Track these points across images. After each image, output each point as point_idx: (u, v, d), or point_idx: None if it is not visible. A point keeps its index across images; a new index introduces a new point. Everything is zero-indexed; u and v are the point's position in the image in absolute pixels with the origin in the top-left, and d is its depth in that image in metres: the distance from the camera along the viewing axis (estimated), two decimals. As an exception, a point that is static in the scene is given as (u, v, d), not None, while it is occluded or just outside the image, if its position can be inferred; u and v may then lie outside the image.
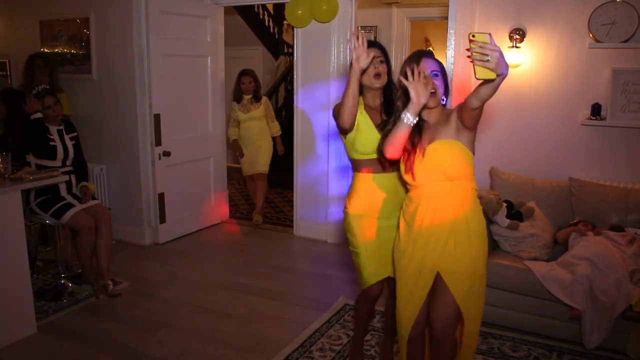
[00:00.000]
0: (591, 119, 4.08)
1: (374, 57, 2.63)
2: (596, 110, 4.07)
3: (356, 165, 2.85)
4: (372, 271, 2.89)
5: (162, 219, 5.41)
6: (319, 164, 5.55)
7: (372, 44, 2.70)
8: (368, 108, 2.80)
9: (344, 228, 2.96)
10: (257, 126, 6.11)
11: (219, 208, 6.21)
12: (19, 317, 3.57)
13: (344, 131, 2.75)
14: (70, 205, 4.18)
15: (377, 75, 2.72)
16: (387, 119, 2.63)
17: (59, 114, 4.27)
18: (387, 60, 2.78)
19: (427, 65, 2.39)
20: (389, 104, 2.76)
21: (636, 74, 3.98)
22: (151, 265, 4.97)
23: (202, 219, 5.96)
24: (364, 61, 2.43)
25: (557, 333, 3.52)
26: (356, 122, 2.70)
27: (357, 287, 4.38)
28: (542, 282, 3.39)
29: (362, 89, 2.75)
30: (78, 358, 3.42)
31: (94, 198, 4.42)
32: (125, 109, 5.28)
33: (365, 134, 2.73)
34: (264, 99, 6.17)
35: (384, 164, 2.70)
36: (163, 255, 5.22)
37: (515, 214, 3.84)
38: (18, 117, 4.33)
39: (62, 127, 4.30)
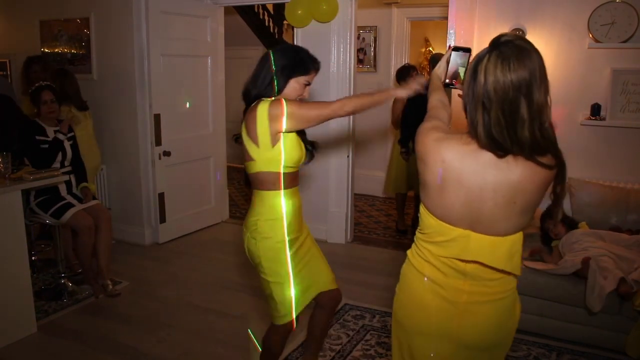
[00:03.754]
0: (591, 119, 4.08)
1: None
2: (596, 110, 4.07)
3: (285, 181, 2.58)
4: (298, 302, 2.61)
5: (162, 219, 5.41)
6: (318, 164, 5.54)
7: (318, 67, 2.63)
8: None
9: (257, 255, 2.66)
10: None
11: (219, 208, 6.21)
12: (19, 317, 3.58)
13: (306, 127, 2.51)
14: (70, 205, 4.18)
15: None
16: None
17: (53, 111, 4.22)
18: None
19: None
20: None
21: (636, 74, 3.99)
22: (151, 265, 4.97)
23: (202, 218, 5.96)
24: (402, 93, 2.45)
25: (557, 333, 3.52)
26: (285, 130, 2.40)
27: (358, 286, 4.39)
28: (583, 272, 3.35)
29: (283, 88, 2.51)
30: (78, 358, 3.42)
31: (94, 198, 4.43)
32: (125, 109, 5.29)
33: (298, 143, 2.53)
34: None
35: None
36: (163, 255, 5.22)
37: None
38: (11, 123, 4.33)
39: (59, 128, 4.29)
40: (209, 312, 4.02)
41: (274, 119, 2.37)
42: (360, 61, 7.27)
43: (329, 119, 2.51)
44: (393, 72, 7.30)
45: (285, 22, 9.12)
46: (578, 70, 4.15)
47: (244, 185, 8.24)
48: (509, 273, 1.75)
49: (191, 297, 4.25)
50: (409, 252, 1.90)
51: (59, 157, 4.23)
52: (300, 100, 2.52)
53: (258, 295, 4.28)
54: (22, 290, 3.59)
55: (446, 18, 4.40)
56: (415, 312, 1.85)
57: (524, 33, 4.27)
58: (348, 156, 5.44)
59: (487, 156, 1.60)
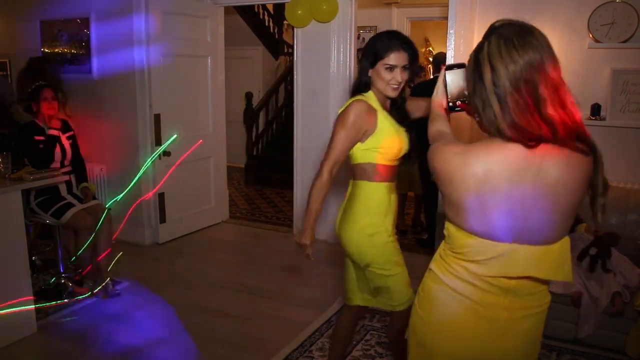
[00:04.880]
0: (591, 119, 4.08)
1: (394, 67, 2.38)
2: (596, 110, 4.07)
3: (371, 172, 2.55)
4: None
5: (162, 219, 5.41)
6: (318, 164, 5.53)
7: (399, 45, 2.39)
8: (384, 107, 2.52)
9: (363, 251, 2.60)
10: None
11: (219, 208, 6.21)
12: (19, 317, 3.57)
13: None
14: (70, 205, 4.18)
15: (396, 86, 2.42)
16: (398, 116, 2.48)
17: (53, 108, 4.21)
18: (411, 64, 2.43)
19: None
20: (398, 107, 2.53)
21: (636, 74, 3.98)
22: (151, 265, 4.97)
23: (202, 218, 5.96)
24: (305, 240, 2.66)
25: (557, 333, 3.52)
26: (378, 123, 2.44)
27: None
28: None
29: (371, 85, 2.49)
30: (78, 358, 3.43)
31: (94, 198, 4.43)
32: (125, 109, 5.29)
33: (393, 137, 2.46)
34: None
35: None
36: (163, 255, 5.22)
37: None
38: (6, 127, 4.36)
39: (59, 127, 4.29)
40: (208, 312, 4.02)
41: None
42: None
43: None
44: (393, 72, 7.29)
45: (285, 22, 9.13)
46: (578, 70, 4.15)
47: (244, 185, 8.25)
48: (545, 282, 1.62)
49: (191, 297, 4.25)
50: (435, 269, 1.69)
51: (59, 156, 4.23)
52: (396, 88, 2.42)
53: (258, 295, 4.29)
54: (22, 290, 3.59)
55: (446, 18, 4.40)
56: (450, 336, 1.66)
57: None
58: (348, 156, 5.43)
59: (519, 157, 1.43)
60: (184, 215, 5.67)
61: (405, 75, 2.41)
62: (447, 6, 4.36)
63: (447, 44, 4.34)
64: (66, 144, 4.30)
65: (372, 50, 2.43)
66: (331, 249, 5.37)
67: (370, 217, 2.56)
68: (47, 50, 5.71)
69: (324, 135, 5.44)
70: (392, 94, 2.43)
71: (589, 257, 3.45)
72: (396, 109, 2.55)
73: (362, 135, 2.45)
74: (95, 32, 5.37)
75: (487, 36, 1.48)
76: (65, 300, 4.14)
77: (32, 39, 5.80)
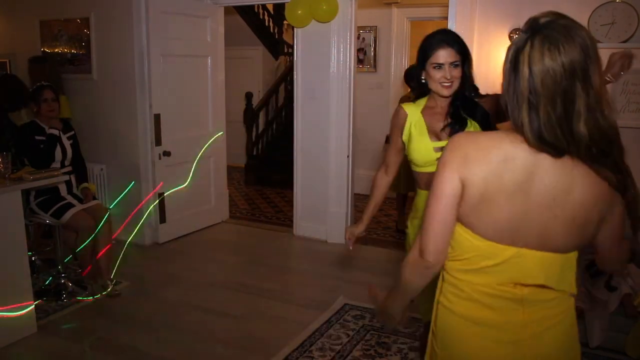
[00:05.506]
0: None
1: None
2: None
3: (417, 180, 2.52)
4: None
5: (163, 219, 5.41)
6: (319, 164, 5.55)
7: (443, 41, 2.32)
8: (428, 110, 2.45)
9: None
10: None
11: (219, 208, 6.21)
12: (19, 317, 3.57)
13: None
14: (70, 205, 4.18)
15: (447, 84, 2.34)
16: (452, 123, 2.37)
17: (53, 110, 4.21)
18: (463, 61, 2.34)
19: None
20: (456, 108, 2.41)
21: (636, 74, 3.98)
22: (151, 265, 4.97)
23: (203, 218, 5.96)
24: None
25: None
26: (407, 130, 2.43)
27: (358, 286, 4.39)
28: None
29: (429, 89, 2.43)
30: (78, 358, 3.43)
31: (94, 198, 4.43)
32: (125, 108, 5.29)
33: (418, 143, 2.41)
34: None
35: None
36: (163, 255, 5.22)
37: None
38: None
39: (59, 127, 4.29)
40: (208, 312, 4.02)
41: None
42: (360, 61, 7.26)
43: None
44: (393, 72, 7.32)
45: (285, 22, 9.13)
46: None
47: (244, 185, 8.25)
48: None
49: (191, 297, 4.25)
50: (444, 301, 1.56)
51: (59, 156, 4.23)
52: (449, 86, 2.33)
53: (258, 295, 4.29)
54: (22, 290, 3.59)
55: (446, 18, 4.40)
56: None
57: (524, 33, 4.27)
58: (348, 156, 5.44)
59: (542, 159, 1.34)
60: (184, 215, 5.67)
61: (457, 72, 2.32)
62: (447, 6, 4.36)
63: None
64: (66, 144, 4.30)
65: (420, 53, 2.40)
66: (331, 249, 5.38)
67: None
68: (46, 50, 5.71)
69: (324, 135, 5.47)
70: (446, 92, 2.35)
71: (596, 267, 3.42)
72: (453, 111, 2.43)
73: (402, 141, 2.51)
74: (95, 32, 5.36)
75: (531, 35, 1.32)
76: (65, 300, 4.14)
77: (31, 39, 5.80)
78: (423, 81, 2.41)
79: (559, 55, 1.26)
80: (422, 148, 2.40)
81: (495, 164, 1.37)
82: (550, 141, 1.29)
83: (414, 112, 2.45)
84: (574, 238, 1.42)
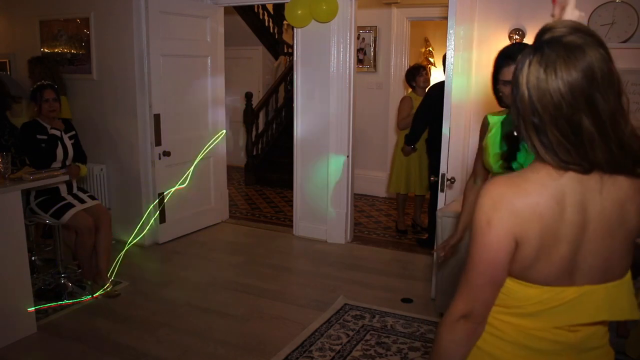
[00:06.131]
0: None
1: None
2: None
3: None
4: None
5: (162, 219, 5.41)
6: (318, 164, 5.55)
7: (509, 58, 2.36)
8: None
9: None
10: None
11: (219, 208, 6.21)
12: (19, 317, 3.58)
13: None
14: (70, 206, 4.18)
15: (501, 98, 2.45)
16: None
17: (54, 110, 4.20)
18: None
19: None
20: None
21: (636, 74, 3.98)
22: (151, 265, 4.97)
23: (202, 219, 5.96)
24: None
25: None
26: (486, 138, 2.55)
27: (358, 286, 4.40)
28: None
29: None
30: (78, 358, 3.42)
31: (94, 198, 4.42)
32: (125, 109, 5.28)
33: (490, 153, 2.52)
34: None
35: None
36: (163, 255, 5.23)
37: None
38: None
39: (61, 127, 4.29)
40: (208, 312, 4.02)
41: None
42: (360, 61, 7.26)
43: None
44: (393, 72, 7.32)
45: (285, 22, 9.14)
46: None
47: (244, 185, 8.25)
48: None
49: (191, 297, 4.25)
50: (479, 343, 1.36)
51: (61, 155, 4.22)
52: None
53: (258, 295, 4.29)
54: (22, 290, 3.59)
55: (446, 18, 4.40)
56: None
57: (523, 34, 4.27)
58: (348, 156, 5.44)
59: (575, 183, 1.21)
60: (184, 215, 5.67)
61: None
62: (447, 6, 4.35)
63: (447, 44, 4.33)
64: (68, 143, 4.30)
65: (493, 69, 2.49)
66: (331, 249, 5.38)
67: None
68: (46, 50, 5.71)
69: (323, 135, 5.47)
70: None
71: None
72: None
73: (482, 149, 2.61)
74: (95, 32, 5.36)
75: (531, 52, 1.21)
76: (65, 300, 4.14)
77: (31, 39, 5.80)
78: (500, 94, 2.45)
79: (555, 79, 1.15)
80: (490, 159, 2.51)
81: (549, 210, 1.21)
82: (569, 161, 1.18)
83: (495, 122, 2.55)
84: (630, 254, 1.29)
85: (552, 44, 1.17)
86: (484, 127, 2.61)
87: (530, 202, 1.21)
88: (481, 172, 2.67)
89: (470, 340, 1.34)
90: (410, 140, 5.46)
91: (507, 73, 2.36)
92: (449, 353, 1.34)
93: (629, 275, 1.31)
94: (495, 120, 2.56)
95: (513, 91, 1.24)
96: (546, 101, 1.16)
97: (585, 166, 1.18)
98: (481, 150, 2.61)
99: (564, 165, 1.19)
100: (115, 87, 5.32)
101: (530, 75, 1.18)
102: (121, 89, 5.28)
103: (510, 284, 1.30)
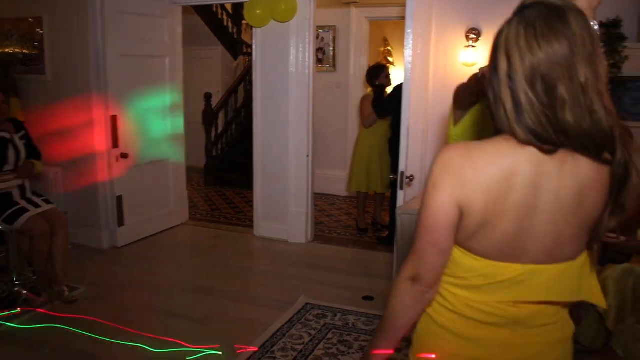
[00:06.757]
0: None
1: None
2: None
3: None
4: None
5: (121, 222, 5.31)
6: (278, 164, 5.54)
7: None
8: None
9: None
10: None
11: (178, 210, 6.14)
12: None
13: None
14: (24, 210, 4.07)
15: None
16: None
17: (3, 113, 4.08)
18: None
19: None
20: None
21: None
22: (109, 269, 4.88)
23: (162, 221, 5.88)
24: None
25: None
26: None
27: (319, 285, 4.41)
28: None
29: None
30: (34, 366, 3.34)
31: (49, 202, 4.31)
32: (81, 110, 5.16)
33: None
34: None
35: None
36: (122, 258, 5.14)
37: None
38: None
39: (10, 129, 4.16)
40: (169, 315, 3.97)
41: None
42: (319, 61, 7.28)
43: None
44: (352, 72, 7.36)
45: (244, 21, 9.10)
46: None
47: (204, 186, 8.18)
48: (565, 306, 1.40)
49: (151, 301, 4.19)
50: (429, 311, 1.42)
51: (13, 158, 4.11)
52: None
53: (219, 297, 4.26)
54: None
55: (404, 18, 4.44)
56: None
57: (480, 33, 4.35)
58: (308, 156, 5.45)
59: (535, 163, 1.20)
60: (143, 218, 5.58)
61: None
62: (405, 6, 4.40)
63: (405, 44, 4.38)
64: (19, 144, 4.17)
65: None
66: (291, 249, 5.38)
67: None
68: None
69: (283, 134, 5.46)
70: None
71: None
72: None
73: None
74: (48, 32, 5.23)
75: (511, 18, 1.21)
76: (19, 308, 4.03)
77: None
78: None
79: (534, 38, 1.15)
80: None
81: (497, 185, 1.21)
82: (538, 131, 1.16)
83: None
84: (583, 239, 1.29)
85: (533, 6, 1.18)
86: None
87: (478, 173, 1.22)
88: None
89: (418, 304, 1.37)
90: (380, 111, 5.48)
91: None
92: (397, 314, 1.38)
93: (581, 258, 1.32)
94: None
95: (492, 55, 1.24)
96: (526, 63, 1.16)
97: (550, 138, 1.16)
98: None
99: (529, 136, 1.17)
100: (71, 88, 5.20)
101: (510, 35, 1.19)
102: (77, 90, 5.15)
103: (457, 254, 1.32)
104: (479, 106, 2.64)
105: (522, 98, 1.16)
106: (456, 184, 1.23)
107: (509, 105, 1.19)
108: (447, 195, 1.24)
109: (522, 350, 1.34)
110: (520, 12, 1.20)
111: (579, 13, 1.16)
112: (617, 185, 1.19)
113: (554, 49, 1.14)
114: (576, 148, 1.18)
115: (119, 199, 5.25)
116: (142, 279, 4.64)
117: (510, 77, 1.18)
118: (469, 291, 1.33)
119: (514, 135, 1.20)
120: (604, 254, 3.69)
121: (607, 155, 1.18)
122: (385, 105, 5.41)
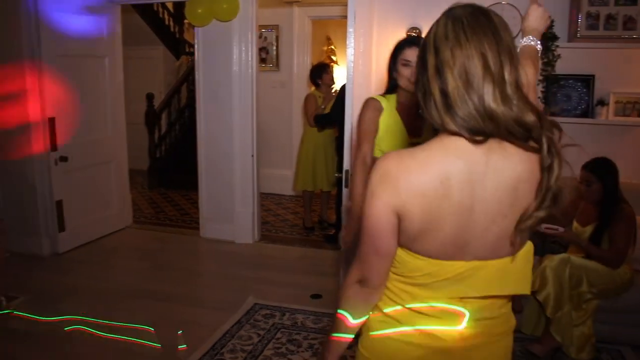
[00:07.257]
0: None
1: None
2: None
3: None
4: None
5: (61, 227, 5.15)
6: (223, 164, 5.50)
7: (413, 43, 2.65)
8: (402, 107, 2.71)
9: None
10: None
11: (122, 213, 6.00)
12: None
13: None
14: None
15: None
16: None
17: None
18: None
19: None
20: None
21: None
22: (50, 277, 4.72)
23: (105, 225, 5.75)
24: None
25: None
26: (382, 123, 2.67)
27: (267, 285, 4.40)
28: None
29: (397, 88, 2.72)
30: (-29, 379, 3.22)
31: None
32: (15, 112, 4.96)
33: (394, 136, 2.65)
34: None
35: None
36: (63, 265, 4.99)
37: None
38: None
39: None
40: (114, 321, 3.88)
41: None
42: (262, 60, 7.27)
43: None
44: (296, 71, 7.37)
45: (185, 21, 8.97)
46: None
47: (148, 188, 8.04)
48: (509, 300, 1.46)
49: (95, 308, 4.07)
50: (379, 302, 1.46)
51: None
52: (403, 90, 2.67)
53: (166, 301, 4.20)
54: None
55: (346, 17, 4.48)
56: None
57: (420, 32, 4.43)
58: (252, 155, 5.43)
59: (467, 157, 1.24)
60: (85, 222, 5.43)
61: None
62: (347, 5, 4.44)
63: (347, 42, 4.42)
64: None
65: (392, 52, 2.68)
66: (238, 249, 5.36)
67: None
68: None
69: (227, 135, 5.42)
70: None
71: None
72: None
73: (375, 130, 2.70)
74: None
75: (440, 17, 1.29)
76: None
77: None
78: (396, 76, 2.68)
79: (461, 30, 1.22)
80: (396, 146, 2.62)
81: (432, 190, 1.24)
82: (466, 119, 1.20)
83: (390, 108, 2.70)
84: (524, 232, 1.31)
85: (461, 6, 1.28)
86: (376, 111, 2.70)
87: (413, 180, 1.26)
88: (370, 152, 2.73)
89: (367, 303, 1.44)
90: (320, 122, 5.53)
91: (410, 53, 2.58)
92: (348, 315, 1.45)
93: (524, 250, 1.36)
94: (390, 106, 2.70)
95: (419, 57, 1.31)
96: (455, 54, 1.22)
97: (479, 127, 1.20)
98: (372, 132, 2.69)
99: (459, 126, 1.21)
100: (5, 90, 5.00)
101: (439, 30, 1.26)
102: (11, 91, 4.96)
103: (402, 254, 1.36)
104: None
105: (450, 88, 1.21)
106: (392, 192, 1.27)
107: (438, 97, 1.24)
108: (383, 203, 1.29)
109: (467, 342, 1.39)
110: (449, 11, 1.29)
111: (500, 18, 1.26)
112: (547, 174, 1.22)
113: (480, 40, 1.21)
114: (504, 135, 1.21)
115: (59, 203, 5.09)
116: (84, 285, 4.52)
117: (438, 69, 1.24)
118: (418, 288, 1.37)
119: (444, 127, 1.24)
120: (543, 245, 3.83)
121: (533, 143, 1.22)
122: (323, 119, 5.56)
